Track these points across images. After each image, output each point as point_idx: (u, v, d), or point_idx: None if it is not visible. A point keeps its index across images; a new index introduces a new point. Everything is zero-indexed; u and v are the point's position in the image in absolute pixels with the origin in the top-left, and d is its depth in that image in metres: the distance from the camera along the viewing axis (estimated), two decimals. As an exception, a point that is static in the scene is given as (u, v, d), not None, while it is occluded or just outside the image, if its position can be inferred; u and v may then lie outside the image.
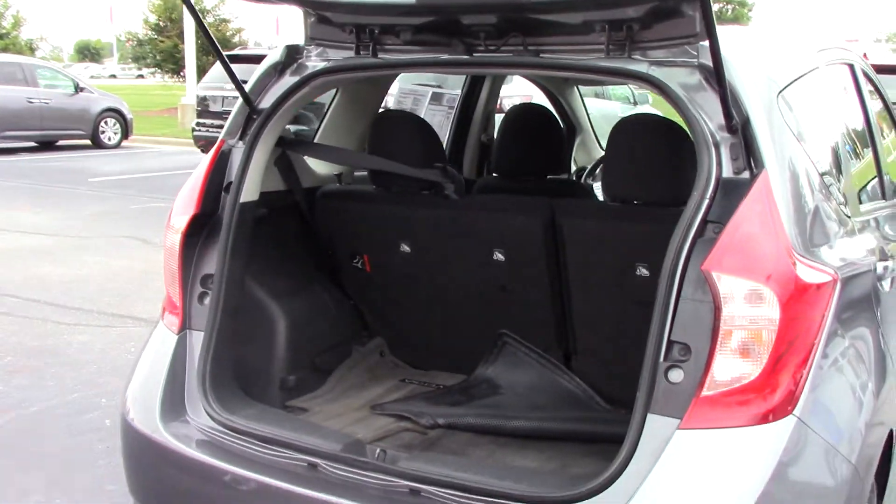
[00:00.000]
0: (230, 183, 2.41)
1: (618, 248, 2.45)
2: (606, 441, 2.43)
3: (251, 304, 2.51)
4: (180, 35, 25.79)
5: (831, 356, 1.91)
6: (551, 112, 3.66)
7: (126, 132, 17.46)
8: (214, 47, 2.36)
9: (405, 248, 2.75)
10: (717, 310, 1.77)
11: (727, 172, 1.89)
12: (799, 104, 2.17)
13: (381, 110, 3.21)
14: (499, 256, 2.61)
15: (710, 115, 1.92)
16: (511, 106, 3.35)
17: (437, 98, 4.51)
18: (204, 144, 13.16)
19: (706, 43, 1.97)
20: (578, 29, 2.11)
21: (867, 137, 2.91)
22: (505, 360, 2.75)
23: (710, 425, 1.76)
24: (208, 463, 2.14)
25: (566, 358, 2.73)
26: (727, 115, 1.87)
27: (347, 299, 2.94)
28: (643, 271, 2.41)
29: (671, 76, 1.99)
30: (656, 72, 2.01)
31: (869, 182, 2.80)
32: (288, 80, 2.42)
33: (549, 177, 3.26)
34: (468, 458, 2.32)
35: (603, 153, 4.83)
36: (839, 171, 2.39)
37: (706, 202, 1.86)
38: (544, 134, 3.21)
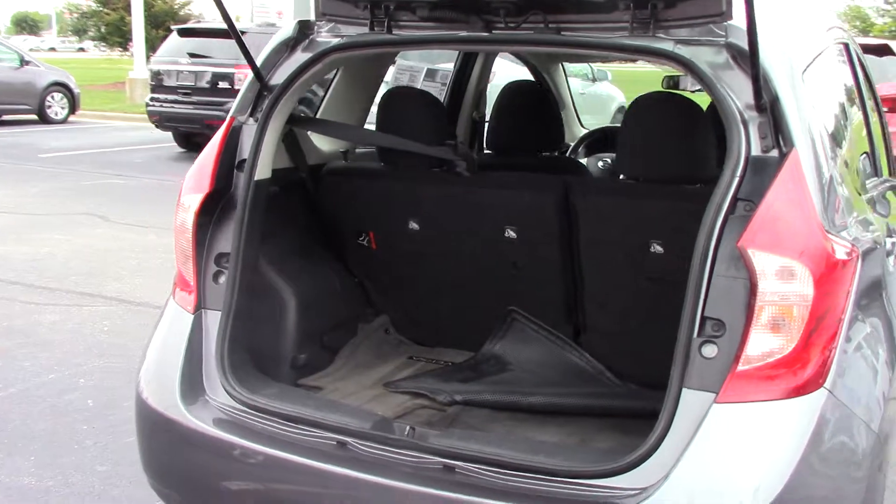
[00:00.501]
0: (242, 160, 2.38)
1: (632, 224, 2.47)
2: (620, 416, 2.47)
3: (262, 282, 2.49)
4: (127, 8, 25.19)
5: (854, 330, 1.96)
6: (545, 90, 3.67)
7: (73, 107, 17.04)
8: (229, 22, 2.32)
9: (413, 225, 2.75)
10: (752, 286, 1.80)
11: (756, 151, 1.91)
12: (818, 84, 2.21)
13: (389, 87, 3.18)
14: (511, 234, 2.62)
15: (737, 94, 1.95)
16: (506, 83, 3.35)
17: (431, 74, 4.49)
18: (158, 120, 12.91)
19: (733, 22, 2.00)
20: (601, 7, 2.11)
21: (863, 116, 2.97)
22: (513, 337, 2.77)
23: (746, 399, 1.80)
24: (235, 443, 2.12)
25: (575, 334, 2.76)
26: (757, 94, 1.89)
27: (352, 277, 2.93)
28: (657, 248, 2.44)
29: (698, 55, 2.01)
30: (682, 50, 2.02)
31: (867, 159, 2.87)
32: (300, 57, 2.39)
33: (542, 154, 3.28)
34: (495, 434, 2.34)
35: (584, 130, 4.88)
36: (851, 149, 2.45)
37: (737, 179, 1.89)
38: (539, 111, 3.22)
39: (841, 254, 1.89)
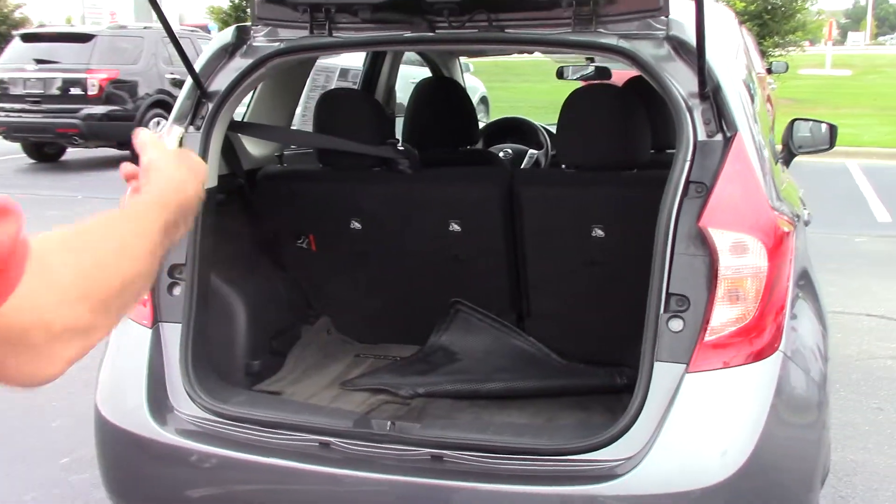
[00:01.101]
0: None
1: (574, 211, 2.59)
2: (576, 393, 2.59)
3: (213, 292, 2.46)
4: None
5: (796, 297, 2.15)
6: (460, 85, 3.75)
7: None
8: (167, 26, 2.29)
9: (356, 225, 2.78)
10: (713, 262, 1.94)
11: (702, 136, 2.06)
12: (742, 72, 2.38)
13: (310, 88, 3.19)
14: (455, 227, 2.69)
15: (681, 83, 2.09)
16: (419, 80, 3.42)
17: (343, 74, 4.50)
18: (5, 131, 12.24)
19: (674, 18, 2.14)
20: (544, 4, 2.21)
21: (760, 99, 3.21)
22: (458, 327, 2.84)
23: (714, 367, 1.95)
24: (213, 453, 2.10)
25: (519, 320, 2.87)
26: (702, 83, 2.04)
27: (292, 280, 2.93)
28: (598, 232, 2.57)
29: (641, 48, 2.14)
30: (626, 44, 2.15)
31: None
32: (240, 63, 2.38)
33: (460, 148, 3.37)
34: (477, 422, 2.41)
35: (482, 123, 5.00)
36: (764, 129, 2.65)
37: (688, 164, 2.03)
38: (456, 106, 3.31)
39: (785, 226, 2.06)
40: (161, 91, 12.40)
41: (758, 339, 1.97)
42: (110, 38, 12.34)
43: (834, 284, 5.79)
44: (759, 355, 1.97)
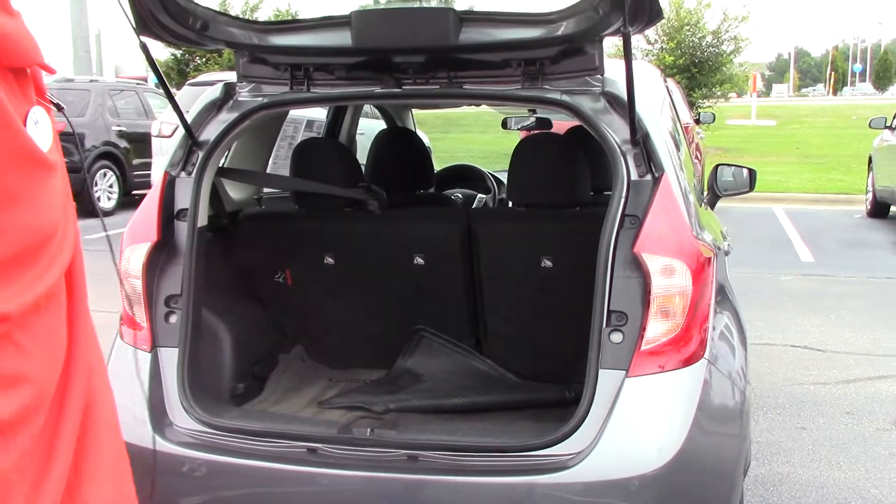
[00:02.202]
0: (179, 210, 2.63)
1: (525, 244, 2.93)
2: (531, 407, 2.90)
3: (203, 321, 2.73)
4: None
5: (718, 311, 2.50)
6: (416, 134, 4.09)
7: None
8: (163, 83, 2.58)
9: (329, 260, 3.07)
10: (647, 283, 2.28)
11: (634, 176, 2.42)
12: (668, 123, 2.76)
13: (281, 138, 3.49)
14: (419, 261, 3.00)
15: (616, 132, 2.45)
16: (380, 130, 3.75)
17: (309, 125, 4.81)
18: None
19: (608, 76, 2.52)
20: (497, 65, 2.57)
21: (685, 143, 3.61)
22: (422, 352, 3.14)
23: (650, 372, 2.27)
24: (214, 460, 2.35)
25: (477, 343, 3.17)
26: (633, 132, 2.40)
27: (270, 311, 3.20)
28: (547, 263, 2.90)
29: (582, 102, 2.50)
30: (568, 98, 2.51)
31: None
32: (227, 116, 2.68)
33: (418, 192, 3.69)
34: (445, 427, 2.69)
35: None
36: (688, 171, 3.03)
37: (623, 200, 2.38)
38: (413, 154, 3.64)
39: (707, 252, 2.42)
40: (108, 143, 12.54)
41: (685, 347, 2.30)
42: (57, 91, 12.47)
43: (762, 319, 6.23)
44: (688, 361, 2.30)
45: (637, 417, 2.24)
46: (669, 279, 2.29)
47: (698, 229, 2.50)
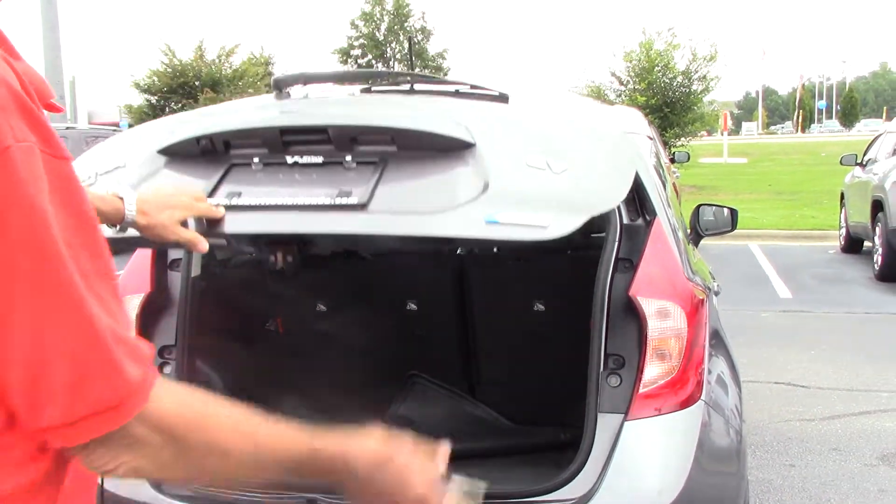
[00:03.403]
0: (172, 261, 2.62)
1: (518, 288, 2.94)
2: (524, 451, 2.90)
3: (197, 371, 2.71)
4: None
5: (712, 353, 2.52)
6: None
7: None
8: None
9: (321, 307, 3.06)
10: (643, 326, 2.30)
11: (626, 220, 2.45)
12: (655, 162, 2.80)
13: None
14: (412, 306, 3.01)
15: None
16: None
17: None
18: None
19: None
20: None
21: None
22: (415, 398, 3.13)
23: (648, 415, 2.28)
24: None
25: (470, 388, 3.17)
26: None
27: (261, 359, 3.18)
28: (539, 306, 2.92)
29: None
30: None
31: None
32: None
33: None
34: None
35: None
36: (676, 213, 3.07)
37: (616, 244, 2.40)
38: None
39: (700, 294, 2.45)
40: (85, 190, 12.50)
41: (682, 390, 2.32)
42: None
43: (744, 356, 6.21)
44: (685, 403, 2.32)
45: (637, 460, 2.25)
46: (665, 322, 2.32)
47: (690, 271, 2.53)
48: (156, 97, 25.76)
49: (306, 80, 2.32)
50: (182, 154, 2.18)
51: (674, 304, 2.32)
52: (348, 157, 2.06)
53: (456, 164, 2.02)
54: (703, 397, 2.35)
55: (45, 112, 0.94)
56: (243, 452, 1.04)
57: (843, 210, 12.50)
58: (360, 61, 62.28)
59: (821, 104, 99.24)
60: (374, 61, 62.39)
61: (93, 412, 0.88)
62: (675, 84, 20.82)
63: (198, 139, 2.15)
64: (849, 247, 12.14)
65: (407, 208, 1.98)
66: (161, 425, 0.95)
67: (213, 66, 26.48)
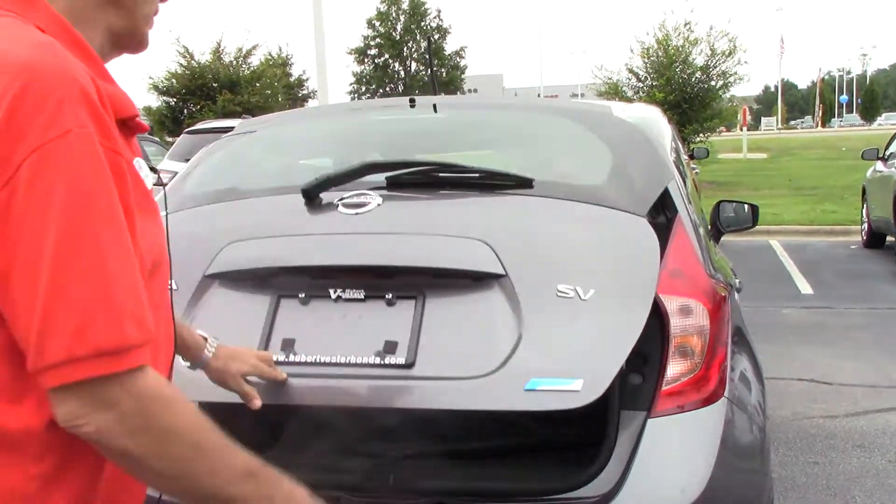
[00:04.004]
0: None
1: None
2: (543, 448, 2.88)
3: None
4: None
5: (735, 350, 2.51)
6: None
7: None
8: None
9: None
10: (665, 323, 2.29)
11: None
12: (675, 161, 2.79)
13: None
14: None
15: None
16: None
17: None
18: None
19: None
20: None
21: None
22: None
23: (671, 412, 2.27)
24: None
25: None
26: None
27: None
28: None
29: None
30: None
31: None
32: None
33: None
34: (473, 471, 2.65)
35: None
36: (697, 208, 3.05)
37: None
38: None
39: (722, 291, 2.43)
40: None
41: (705, 387, 2.31)
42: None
43: (765, 353, 6.18)
44: (708, 401, 2.30)
45: (660, 458, 2.24)
46: (687, 319, 2.30)
47: (712, 268, 2.51)
48: (174, 99, 25.89)
49: (332, 183, 2.34)
50: (230, 277, 2.31)
51: (696, 301, 2.31)
52: (389, 295, 2.19)
53: (490, 294, 2.14)
54: (726, 394, 2.34)
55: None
56: (203, 444, 1.12)
57: (864, 205, 12.40)
58: (377, 61, 62.45)
59: (842, 98, 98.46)
60: (390, 60, 62.54)
61: (91, 354, 1.01)
62: (693, 80, 20.72)
63: (244, 271, 2.29)
64: (871, 242, 12.04)
65: (450, 370, 2.10)
66: (141, 394, 1.05)
67: (230, 68, 26.56)
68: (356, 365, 2.14)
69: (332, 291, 2.22)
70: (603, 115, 2.60)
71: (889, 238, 11.66)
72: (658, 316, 2.29)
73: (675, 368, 2.28)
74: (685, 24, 20.74)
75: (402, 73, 62.77)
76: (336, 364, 2.16)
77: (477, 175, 2.37)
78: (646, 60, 21.14)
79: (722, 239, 4.32)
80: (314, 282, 2.24)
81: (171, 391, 1.11)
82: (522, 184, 2.36)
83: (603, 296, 2.14)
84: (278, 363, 2.15)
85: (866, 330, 7.37)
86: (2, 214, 1.00)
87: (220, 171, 2.90)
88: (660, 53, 20.62)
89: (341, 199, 2.33)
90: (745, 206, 4.40)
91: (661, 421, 2.26)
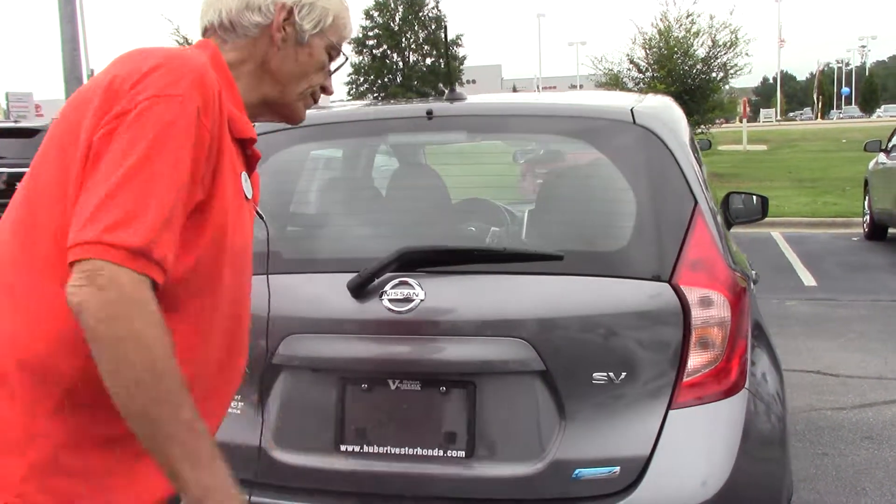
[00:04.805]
0: None
1: None
2: None
3: None
4: None
5: (754, 341, 2.49)
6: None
7: None
8: None
9: None
10: (686, 315, 2.27)
11: None
12: (692, 150, 2.76)
13: None
14: None
15: None
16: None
17: None
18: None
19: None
20: None
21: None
22: None
23: (692, 404, 2.26)
24: None
25: None
26: None
27: None
28: None
29: None
30: None
31: None
32: None
33: None
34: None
35: None
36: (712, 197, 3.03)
37: None
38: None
39: (741, 282, 2.42)
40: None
41: (727, 378, 2.30)
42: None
43: (772, 344, 6.23)
44: (729, 392, 2.29)
45: (682, 449, 2.23)
46: (708, 310, 2.29)
47: (731, 259, 2.50)
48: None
49: (375, 277, 2.34)
50: (294, 366, 2.42)
51: (717, 292, 2.30)
52: (443, 388, 2.32)
53: (533, 384, 2.28)
54: (746, 386, 2.33)
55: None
56: (159, 373, 1.23)
57: (867, 197, 12.38)
58: (374, 52, 62.21)
59: (844, 90, 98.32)
60: (388, 51, 62.30)
61: (110, 244, 1.22)
62: (694, 72, 20.66)
63: (308, 363, 2.41)
64: (873, 234, 12.03)
65: (504, 461, 2.28)
66: (127, 293, 1.22)
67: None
68: (422, 457, 2.30)
69: (391, 382, 2.35)
70: (619, 128, 2.55)
71: (891, 230, 11.65)
72: (679, 307, 2.27)
73: (696, 360, 2.28)
74: (687, 16, 20.68)
75: (401, 63, 62.57)
76: (405, 456, 2.32)
77: (510, 254, 2.39)
78: (647, 51, 21.07)
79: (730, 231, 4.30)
80: (374, 373, 2.36)
81: (154, 312, 1.24)
82: (555, 258, 2.34)
83: (633, 378, 2.25)
84: (352, 453, 2.34)
85: (871, 322, 7.36)
86: (118, 128, 1.29)
87: None
88: (661, 44, 20.55)
89: (383, 293, 2.33)
90: (754, 197, 4.38)
91: (683, 412, 2.25)
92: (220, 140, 1.38)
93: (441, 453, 2.30)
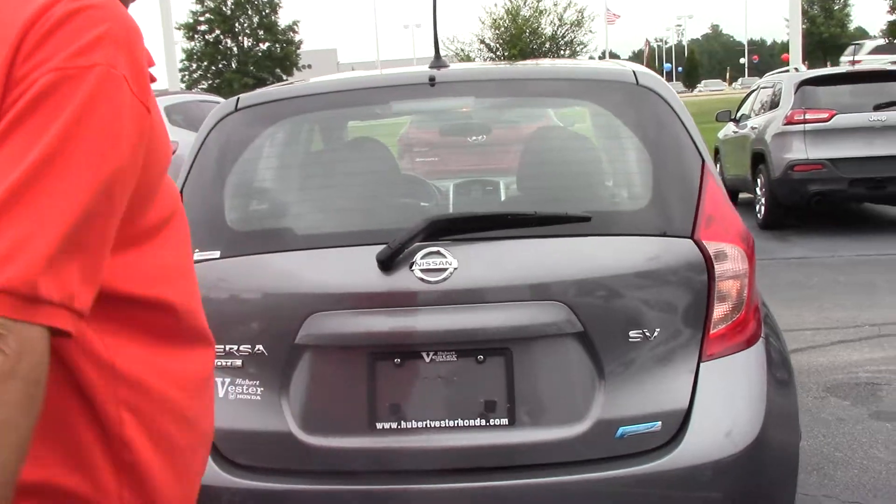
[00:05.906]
0: None
1: None
2: None
3: None
4: None
5: (760, 294, 2.59)
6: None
7: None
8: None
9: None
10: (710, 269, 2.33)
11: None
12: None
13: None
14: None
15: None
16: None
17: None
18: None
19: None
20: None
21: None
22: None
23: (721, 354, 2.33)
24: None
25: None
26: None
27: None
28: None
29: None
30: None
31: None
32: None
33: None
34: None
35: None
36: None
37: None
38: None
39: (751, 236, 2.50)
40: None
41: (748, 328, 2.38)
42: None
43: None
44: (750, 342, 2.38)
45: (718, 400, 2.30)
46: (728, 264, 2.36)
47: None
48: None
49: (404, 248, 2.26)
50: (320, 345, 2.30)
51: (734, 245, 2.37)
52: (480, 356, 2.28)
53: (571, 346, 2.28)
54: (762, 334, 2.42)
55: None
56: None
57: (718, 164, 13.07)
58: (207, 37, 60.34)
59: (666, 66, 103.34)
60: (222, 36, 60.57)
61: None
62: (543, 49, 21.19)
63: (335, 342, 2.31)
64: (727, 199, 12.69)
65: (548, 425, 2.27)
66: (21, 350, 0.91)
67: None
68: (463, 428, 2.25)
69: (425, 355, 2.28)
70: (625, 89, 2.59)
71: (742, 195, 12.36)
72: (703, 262, 2.33)
73: (720, 312, 2.35)
74: (533, -6, 21.17)
75: (235, 49, 60.99)
76: (445, 429, 2.26)
77: (539, 217, 2.34)
78: (495, 31, 21.43)
79: None
80: (407, 346, 2.29)
81: (32, 384, 0.93)
82: (583, 219, 2.34)
83: (665, 334, 2.29)
84: (389, 430, 2.27)
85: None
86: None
87: (254, 191, 2.66)
88: (510, 24, 20.96)
89: (413, 264, 2.26)
90: None
91: (713, 364, 2.32)
92: None
93: (483, 423, 2.26)
